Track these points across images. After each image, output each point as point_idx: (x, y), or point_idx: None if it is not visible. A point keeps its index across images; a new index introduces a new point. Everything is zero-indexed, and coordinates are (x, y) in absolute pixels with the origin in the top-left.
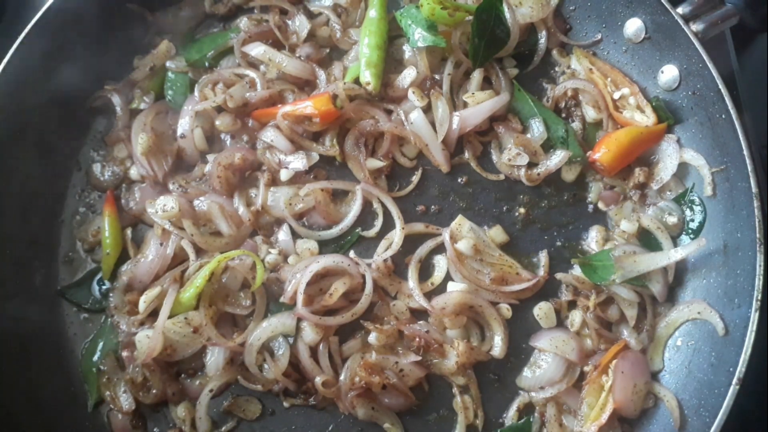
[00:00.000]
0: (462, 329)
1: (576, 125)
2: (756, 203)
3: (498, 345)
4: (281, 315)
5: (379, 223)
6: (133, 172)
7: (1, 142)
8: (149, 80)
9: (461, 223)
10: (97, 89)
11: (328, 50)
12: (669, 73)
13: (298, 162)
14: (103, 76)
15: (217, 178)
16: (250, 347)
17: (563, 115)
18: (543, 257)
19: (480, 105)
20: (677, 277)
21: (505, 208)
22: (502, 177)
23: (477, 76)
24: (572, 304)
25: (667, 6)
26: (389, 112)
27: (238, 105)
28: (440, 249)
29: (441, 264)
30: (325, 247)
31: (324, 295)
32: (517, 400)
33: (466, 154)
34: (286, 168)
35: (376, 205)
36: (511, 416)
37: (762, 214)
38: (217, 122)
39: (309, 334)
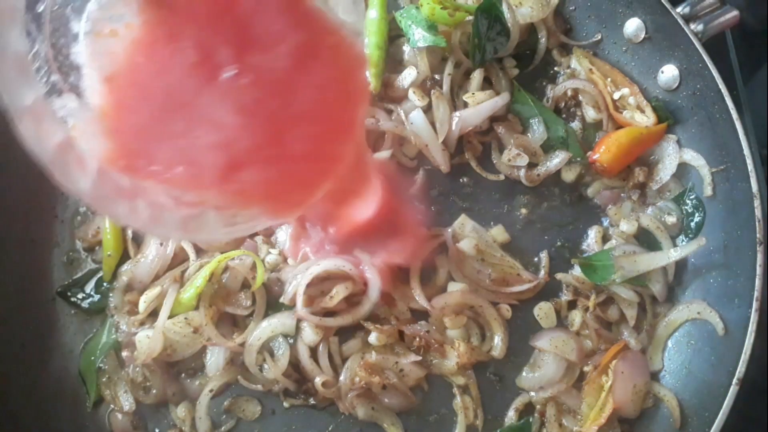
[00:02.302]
0: (462, 329)
1: (576, 125)
2: (756, 203)
3: (498, 345)
4: (281, 315)
5: None
6: None
7: (0, 140)
8: None
9: (464, 223)
10: None
11: None
12: (669, 73)
13: None
14: None
15: None
16: (250, 347)
17: (563, 115)
18: (543, 257)
19: (480, 105)
20: (677, 277)
21: (505, 209)
22: (502, 177)
23: (477, 76)
24: (572, 304)
25: (667, 6)
26: (389, 112)
27: None
28: (440, 249)
29: (442, 264)
30: None
31: (325, 297)
32: (517, 400)
33: (466, 155)
34: None
35: None
36: (511, 416)
37: (762, 214)
38: None
39: (309, 334)
